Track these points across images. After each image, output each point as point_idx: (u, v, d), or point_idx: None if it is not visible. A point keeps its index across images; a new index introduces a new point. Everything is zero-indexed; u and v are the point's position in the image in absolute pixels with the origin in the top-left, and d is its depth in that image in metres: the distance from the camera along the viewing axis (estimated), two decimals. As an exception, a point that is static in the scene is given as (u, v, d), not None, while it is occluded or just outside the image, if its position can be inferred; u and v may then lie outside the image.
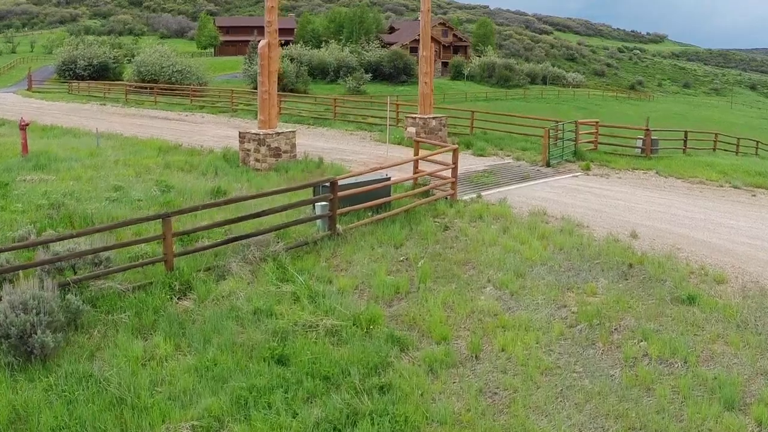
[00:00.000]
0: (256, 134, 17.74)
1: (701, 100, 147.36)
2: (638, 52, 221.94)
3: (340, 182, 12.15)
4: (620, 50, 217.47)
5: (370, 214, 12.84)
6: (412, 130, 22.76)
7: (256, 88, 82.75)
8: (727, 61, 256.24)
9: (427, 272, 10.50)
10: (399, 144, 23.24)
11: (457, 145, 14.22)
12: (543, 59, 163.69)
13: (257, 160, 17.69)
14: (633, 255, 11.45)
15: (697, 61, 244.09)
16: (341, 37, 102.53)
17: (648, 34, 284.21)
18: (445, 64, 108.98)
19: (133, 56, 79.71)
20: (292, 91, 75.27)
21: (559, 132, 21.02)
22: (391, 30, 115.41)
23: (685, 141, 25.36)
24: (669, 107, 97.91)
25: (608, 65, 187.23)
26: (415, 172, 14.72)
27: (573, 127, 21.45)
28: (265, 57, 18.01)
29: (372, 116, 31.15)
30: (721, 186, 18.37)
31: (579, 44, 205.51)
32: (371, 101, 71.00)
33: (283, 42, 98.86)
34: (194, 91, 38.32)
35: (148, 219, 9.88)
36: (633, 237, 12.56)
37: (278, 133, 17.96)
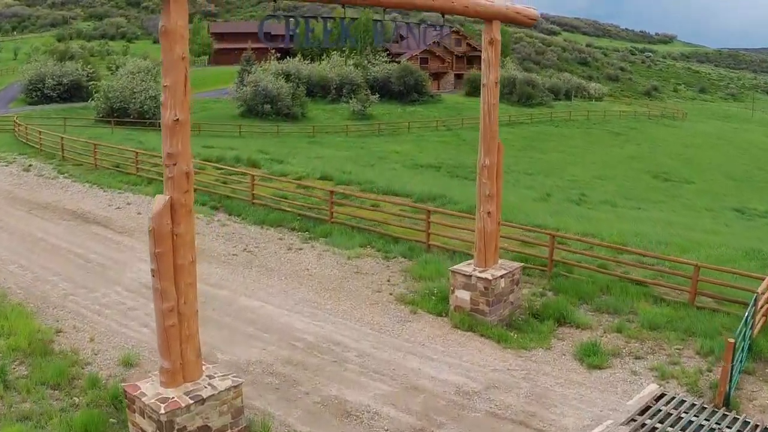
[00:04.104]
0: (155, 409, 8.17)
1: (718, 107, 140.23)
2: (650, 54, 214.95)
3: None
4: (632, 53, 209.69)
5: None
6: (464, 295, 13.01)
7: (244, 115, 73.19)
8: (737, 63, 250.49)
9: None
10: (439, 315, 13.55)
11: None
12: (556, 64, 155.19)
13: (158, 460, 8.16)
14: None
15: (708, 62, 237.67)
16: (345, 48, 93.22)
17: (657, 34, 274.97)
18: (458, 77, 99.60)
19: (117, 68, 71.42)
20: (286, 116, 65.42)
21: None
22: (399, 38, 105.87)
23: None
24: (705, 129, 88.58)
25: (621, 69, 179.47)
26: None
27: (750, 310, 11.85)
28: (165, 237, 8.17)
29: (386, 219, 21.30)
30: None
31: (588, 46, 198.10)
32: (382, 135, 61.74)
33: (279, 54, 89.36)
34: (140, 160, 28.63)
35: None
36: None
37: (202, 400, 8.35)
